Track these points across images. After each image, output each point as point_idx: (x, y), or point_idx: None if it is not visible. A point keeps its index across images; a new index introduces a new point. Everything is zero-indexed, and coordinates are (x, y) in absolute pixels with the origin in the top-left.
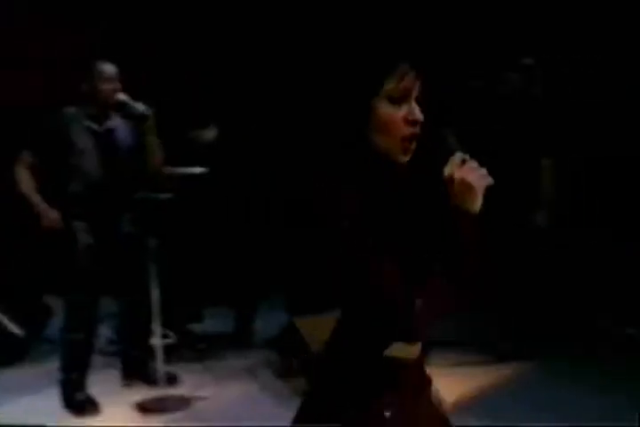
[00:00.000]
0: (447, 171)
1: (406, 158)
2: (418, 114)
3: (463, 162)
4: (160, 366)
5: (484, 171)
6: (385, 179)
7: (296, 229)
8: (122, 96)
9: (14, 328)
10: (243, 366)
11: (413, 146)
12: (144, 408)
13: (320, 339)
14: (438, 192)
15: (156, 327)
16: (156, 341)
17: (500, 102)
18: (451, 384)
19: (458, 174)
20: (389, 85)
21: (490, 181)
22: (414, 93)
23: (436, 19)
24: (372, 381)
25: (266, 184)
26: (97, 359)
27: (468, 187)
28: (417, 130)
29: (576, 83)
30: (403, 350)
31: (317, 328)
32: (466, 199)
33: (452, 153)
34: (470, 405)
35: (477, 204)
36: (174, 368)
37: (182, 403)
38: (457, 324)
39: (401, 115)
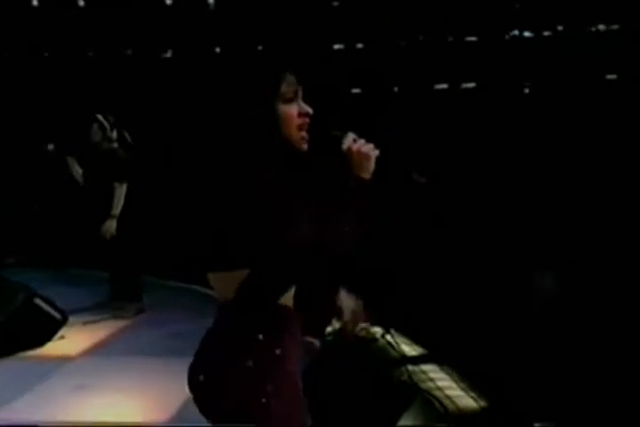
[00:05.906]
0: (345, 145)
1: (305, 146)
2: (306, 108)
3: (354, 140)
4: None
5: (371, 145)
6: (293, 163)
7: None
8: None
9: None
10: None
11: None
12: None
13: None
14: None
15: None
16: None
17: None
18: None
19: (356, 147)
20: (283, 89)
21: (377, 152)
22: (300, 93)
23: None
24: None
25: None
26: None
27: (365, 156)
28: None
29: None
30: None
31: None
32: (363, 167)
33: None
34: None
35: (371, 170)
36: None
37: None
38: None
39: (295, 110)
